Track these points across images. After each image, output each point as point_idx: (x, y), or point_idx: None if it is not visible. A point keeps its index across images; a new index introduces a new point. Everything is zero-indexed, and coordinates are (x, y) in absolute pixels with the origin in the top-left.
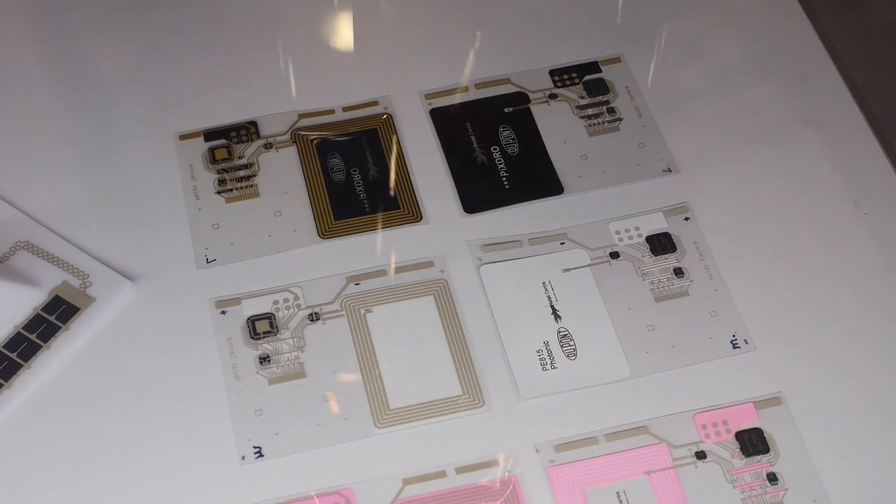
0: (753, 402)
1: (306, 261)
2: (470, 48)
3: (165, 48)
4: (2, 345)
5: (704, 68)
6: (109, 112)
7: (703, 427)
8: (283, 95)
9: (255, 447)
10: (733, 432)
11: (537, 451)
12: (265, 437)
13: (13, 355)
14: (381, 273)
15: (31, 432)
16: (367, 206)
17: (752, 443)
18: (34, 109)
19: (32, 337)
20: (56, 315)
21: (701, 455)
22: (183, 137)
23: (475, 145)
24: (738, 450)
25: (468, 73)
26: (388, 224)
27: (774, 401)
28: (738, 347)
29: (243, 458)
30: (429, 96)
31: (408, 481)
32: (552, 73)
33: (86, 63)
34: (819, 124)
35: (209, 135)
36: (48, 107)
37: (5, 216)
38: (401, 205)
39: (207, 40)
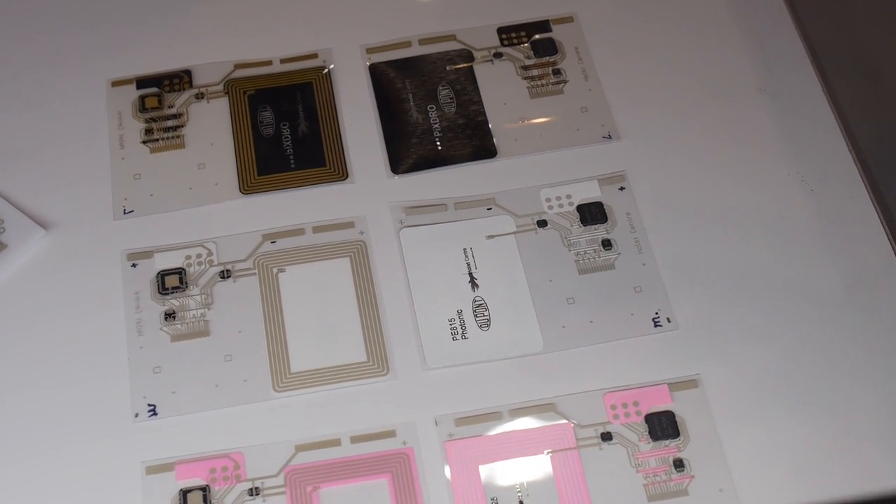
0: (668, 384)
1: (225, 216)
2: (417, 1)
3: None
4: None
5: (661, 31)
6: (40, 53)
7: (613, 407)
8: (221, 44)
9: (149, 405)
10: (643, 414)
11: (436, 423)
12: (161, 396)
13: None
14: (300, 232)
15: None
16: (292, 162)
17: (662, 426)
18: None
19: None
20: None
21: (607, 436)
22: (115, 84)
23: (411, 103)
24: (647, 433)
25: (412, 27)
26: (312, 181)
27: (691, 384)
28: (660, 326)
29: (136, 415)
30: (370, 50)
31: (301, 447)
32: (500, 30)
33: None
34: (774, 94)
35: (141, 82)
36: None
37: None
38: (327, 162)
39: None
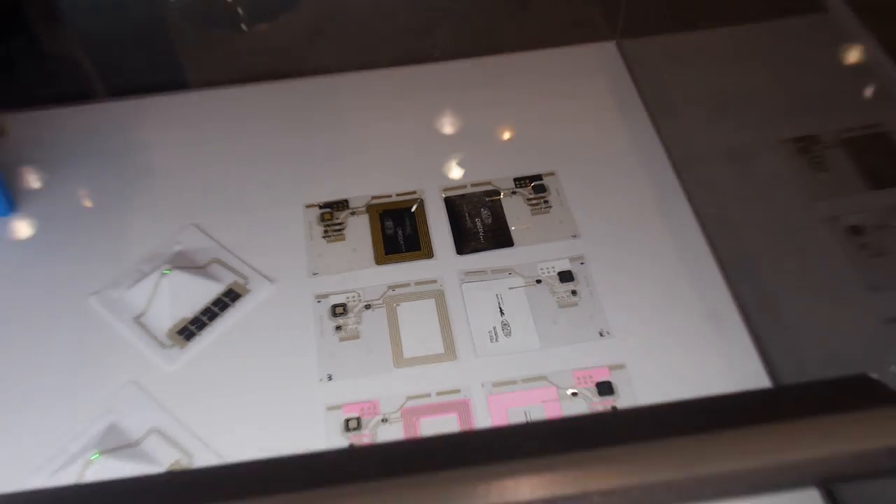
0: (608, 367)
1: (368, 276)
2: (472, 161)
3: (304, 149)
4: (199, 312)
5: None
6: (265, 184)
7: (578, 379)
8: (364, 184)
9: (328, 374)
10: (594, 382)
11: (482, 385)
12: (335, 369)
13: (204, 318)
14: (407, 285)
15: (208, 363)
16: (403, 247)
17: (604, 389)
18: (228, 180)
19: (215, 309)
20: (229, 298)
21: (574, 395)
22: (308, 206)
23: (467, 217)
24: (597, 392)
25: (468, 177)
26: (413, 258)
27: (621, 367)
28: (603, 336)
29: (321, 379)
30: (444, 190)
31: (409, 398)
32: (515, 179)
33: (257, 153)
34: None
35: (322, 206)
36: (235, 178)
37: (206, 244)
38: (422, 248)
39: (325, 146)
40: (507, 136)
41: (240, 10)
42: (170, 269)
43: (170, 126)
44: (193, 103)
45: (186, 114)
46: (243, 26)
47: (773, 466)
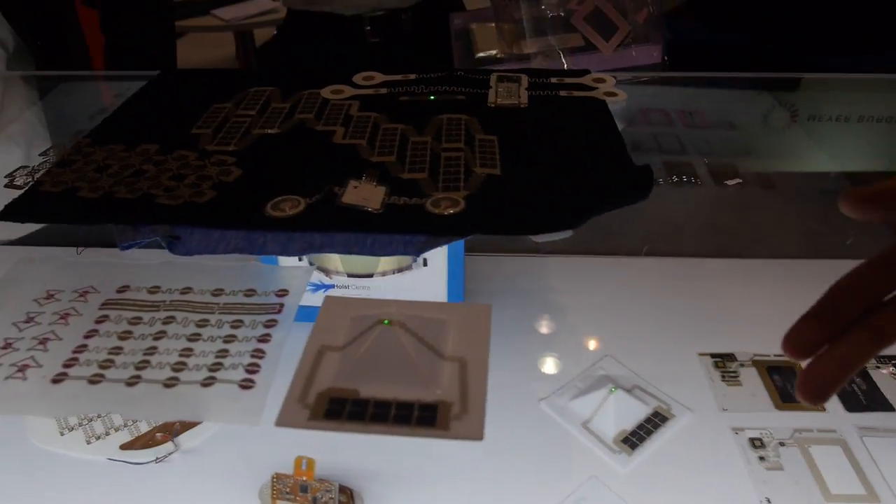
0: None
1: (772, 417)
2: None
3: (689, 310)
4: (636, 427)
5: None
6: (664, 332)
7: None
8: (746, 343)
9: (766, 498)
10: None
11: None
12: (770, 494)
13: (641, 432)
14: (810, 430)
15: (653, 471)
16: (794, 398)
17: None
18: (632, 322)
19: (648, 426)
20: (657, 419)
21: None
22: (700, 354)
23: None
24: None
25: None
26: (805, 409)
27: None
28: None
29: (760, 501)
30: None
31: None
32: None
33: (647, 307)
34: None
35: (713, 355)
36: (636, 322)
37: (623, 371)
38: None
39: (707, 311)
40: None
41: None
42: (616, 388)
43: (567, 277)
44: (581, 264)
45: (572, 271)
46: None
47: None
